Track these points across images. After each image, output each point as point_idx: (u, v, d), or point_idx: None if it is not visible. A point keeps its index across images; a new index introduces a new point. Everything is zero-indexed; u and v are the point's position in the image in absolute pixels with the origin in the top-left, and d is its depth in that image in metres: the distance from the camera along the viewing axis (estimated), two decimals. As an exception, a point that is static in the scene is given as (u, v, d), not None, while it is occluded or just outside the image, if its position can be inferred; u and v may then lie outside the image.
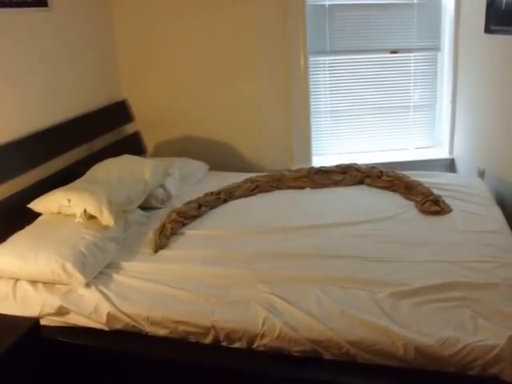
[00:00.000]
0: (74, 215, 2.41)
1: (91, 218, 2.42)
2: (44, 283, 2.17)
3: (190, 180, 3.28)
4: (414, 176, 3.19)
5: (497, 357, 1.65)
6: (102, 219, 2.41)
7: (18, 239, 2.31)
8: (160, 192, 2.96)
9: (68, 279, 2.12)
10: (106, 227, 2.42)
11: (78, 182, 2.72)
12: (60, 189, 2.55)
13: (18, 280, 2.19)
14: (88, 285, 2.14)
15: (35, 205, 2.49)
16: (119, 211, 2.54)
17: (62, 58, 3.03)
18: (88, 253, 2.22)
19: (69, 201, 2.42)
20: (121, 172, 2.82)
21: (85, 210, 2.39)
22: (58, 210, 2.46)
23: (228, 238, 2.54)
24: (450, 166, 3.80)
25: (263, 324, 1.87)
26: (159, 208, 2.91)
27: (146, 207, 2.84)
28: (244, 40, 3.50)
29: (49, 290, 2.14)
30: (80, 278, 2.12)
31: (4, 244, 2.28)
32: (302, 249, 2.37)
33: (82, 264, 2.15)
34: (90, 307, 2.05)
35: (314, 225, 2.60)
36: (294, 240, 2.47)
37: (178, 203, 2.96)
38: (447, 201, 2.78)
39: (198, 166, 3.45)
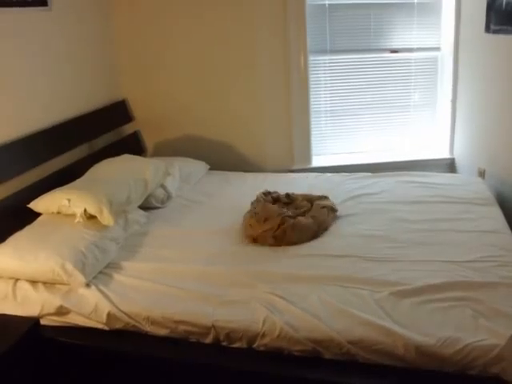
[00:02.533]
0: (73, 215, 2.41)
1: (91, 217, 2.42)
2: (44, 283, 2.17)
3: (190, 180, 3.28)
4: (415, 176, 3.20)
5: (497, 356, 1.65)
6: (102, 219, 2.40)
7: (17, 239, 2.31)
8: (160, 192, 2.96)
9: (68, 279, 2.12)
10: (106, 227, 2.42)
11: (78, 181, 2.71)
12: (60, 188, 2.55)
13: (17, 280, 2.19)
14: (88, 285, 2.14)
15: (35, 205, 2.49)
16: (119, 211, 2.54)
17: (61, 58, 3.02)
18: (88, 253, 2.22)
19: (69, 200, 2.42)
20: (121, 172, 2.82)
21: (85, 210, 2.39)
22: (58, 210, 2.46)
23: (228, 237, 2.54)
24: (450, 165, 3.79)
25: (263, 324, 1.86)
26: (159, 208, 2.91)
27: (146, 207, 2.84)
28: (244, 40, 3.49)
29: (49, 289, 2.14)
30: (80, 278, 2.12)
31: (4, 244, 2.28)
32: (301, 249, 2.37)
33: (81, 264, 2.15)
34: (89, 307, 2.05)
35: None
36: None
37: (177, 203, 2.97)
38: (448, 201, 2.79)
39: (198, 166, 3.45)
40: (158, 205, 2.91)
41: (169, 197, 2.99)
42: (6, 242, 2.30)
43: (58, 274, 2.12)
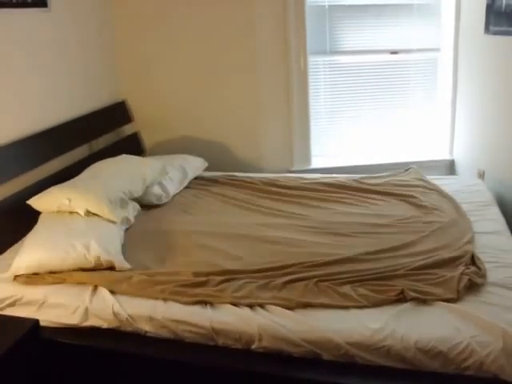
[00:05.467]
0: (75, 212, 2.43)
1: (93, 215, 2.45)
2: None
3: (189, 177, 3.27)
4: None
5: (496, 355, 1.65)
6: (105, 218, 2.42)
7: (37, 236, 2.31)
8: (158, 190, 2.95)
9: (115, 263, 2.20)
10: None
11: (76, 180, 2.71)
12: (59, 186, 2.56)
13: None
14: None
15: (34, 202, 2.48)
16: (119, 209, 2.55)
17: (61, 59, 3.03)
18: (114, 240, 2.33)
19: (69, 200, 2.43)
20: (119, 171, 2.84)
21: (87, 210, 2.41)
22: (58, 209, 2.46)
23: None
24: (449, 167, 3.80)
25: (262, 325, 1.86)
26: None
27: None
28: (244, 40, 3.50)
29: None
30: (123, 263, 2.23)
31: (26, 244, 2.27)
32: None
33: (115, 250, 2.26)
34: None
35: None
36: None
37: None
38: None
39: (196, 163, 3.43)
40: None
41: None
42: (25, 243, 2.28)
43: (104, 260, 2.18)
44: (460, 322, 1.79)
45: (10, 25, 2.62)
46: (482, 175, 3.34)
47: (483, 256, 2.20)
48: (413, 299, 1.90)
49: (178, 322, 1.95)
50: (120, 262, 2.23)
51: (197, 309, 1.98)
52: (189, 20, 3.51)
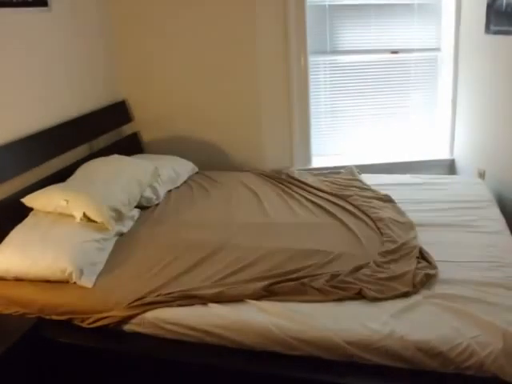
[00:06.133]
0: (70, 215, 2.41)
1: (90, 219, 2.42)
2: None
3: (181, 178, 3.27)
4: (415, 178, 3.19)
5: (495, 355, 1.65)
6: (102, 222, 2.40)
7: (18, 237, 2.30)
8: (149, 192, 2.94)
9: (77, 279, 2.14)
10: (105, 228, 2.42)
11: (72, 181, 2.71)
12: (55, 186, 2.56)
13: (18, 280, 2.19)
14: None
15: (30, 200, 2.47)
16: (117, 213, 2.54)
17: (61, 58, 3.03)
18: (92, 252, 2.25)
19: (67, 202, 2.41)
20: (115, 173, 2.81)
21: (84, 214, 2.39)
22: (54, 210, 2.44)
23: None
24: (450, 166, 3.80)
25: (261, 325, 1.86)
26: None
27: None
28: (244, 40, 3.50)
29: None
30: (88, 279, 2.14)
31: (4, 243, 2.27)
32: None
33: (88, 264, 2.18)
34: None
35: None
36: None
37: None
38: (447, 202, 2.79)
39: (187, 166, 3.43)
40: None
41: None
42: (6, 240, 2.29)
43: (68, 274, 2.12)
44: (460, 322, 1.79)
45: (10, 24, 2.62)
46: (482, 175, 3.34)
47: (482, 256, 2.21)
48: (372, 297, 1.95)
49: (174, 324, 1.95)
50: (81, 278, 2.14)
51: (195, 310, 1.98)
52: (189, 20, 3.51)
